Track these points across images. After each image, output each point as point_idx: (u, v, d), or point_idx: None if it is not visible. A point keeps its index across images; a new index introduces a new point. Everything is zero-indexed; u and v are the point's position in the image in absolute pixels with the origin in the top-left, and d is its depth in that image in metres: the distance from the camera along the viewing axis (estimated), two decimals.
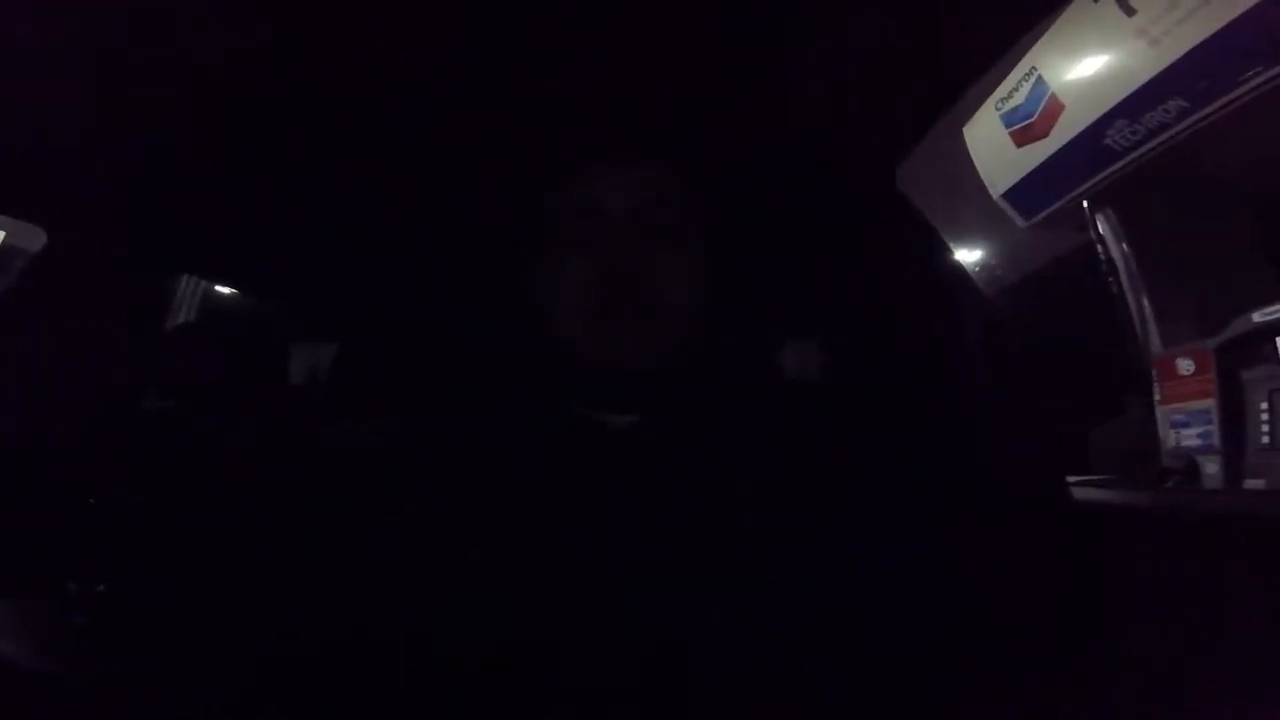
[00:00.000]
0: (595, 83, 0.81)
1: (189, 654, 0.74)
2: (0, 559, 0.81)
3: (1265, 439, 2.30)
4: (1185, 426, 2.55)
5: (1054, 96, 2.59)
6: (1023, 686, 0.63)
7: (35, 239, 1.02)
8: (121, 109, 0.82)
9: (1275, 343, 2.25)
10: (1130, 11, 2.13)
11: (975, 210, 3.16)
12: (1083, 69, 2.43)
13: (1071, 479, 1.13)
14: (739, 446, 0.66)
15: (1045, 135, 2.68)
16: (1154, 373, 2.68)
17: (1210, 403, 2.46)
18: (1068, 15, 2.32)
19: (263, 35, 0.74)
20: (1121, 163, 2.45)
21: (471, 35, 0.75)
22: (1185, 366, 2.55)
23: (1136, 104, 2.23)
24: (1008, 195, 3.04)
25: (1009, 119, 2.84)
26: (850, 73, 0.82)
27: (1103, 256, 2.89)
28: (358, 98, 0.83)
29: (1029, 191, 2.95)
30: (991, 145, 3.00)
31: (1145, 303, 2.79)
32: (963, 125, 3.11)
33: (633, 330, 0.66)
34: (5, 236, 3.81)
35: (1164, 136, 2.24)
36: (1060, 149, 2.65)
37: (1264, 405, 2.32)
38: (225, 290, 1.41)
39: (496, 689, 0.57)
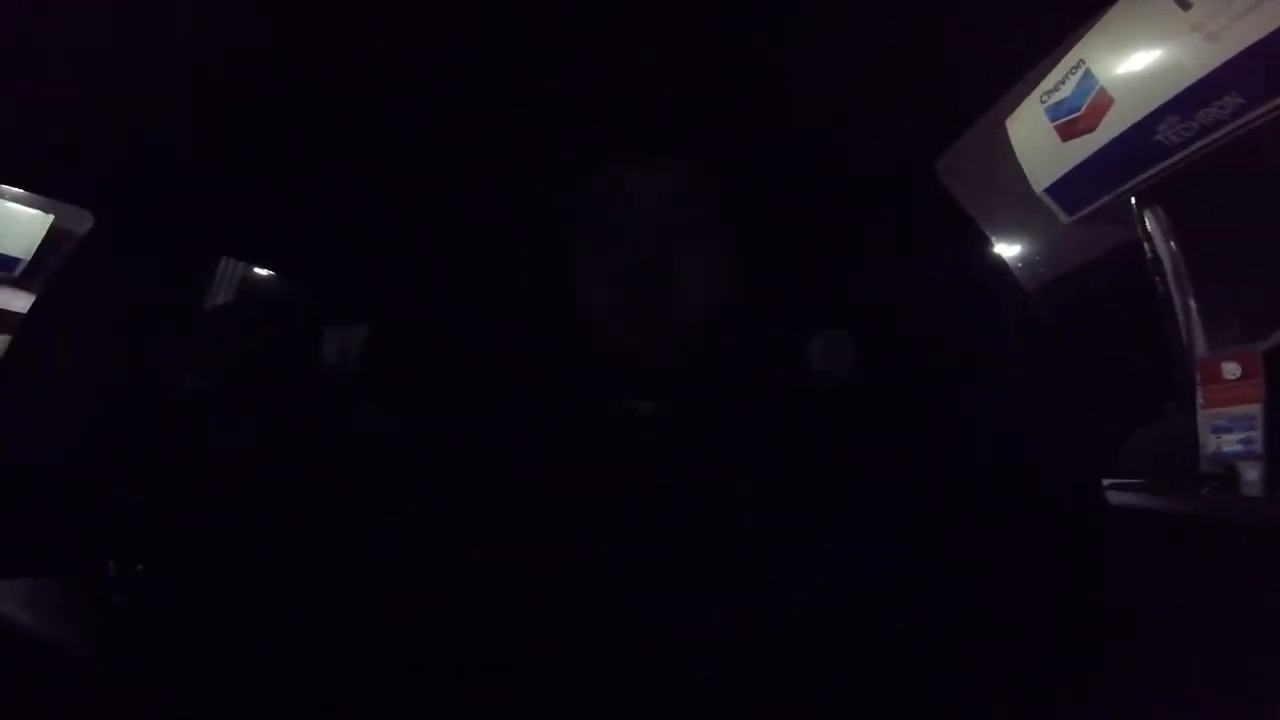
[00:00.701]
0: (620, 79, 0.81)
1: (187, 652, 0.74)
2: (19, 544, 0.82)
3: None
4: (1227, 432, 2.50)
5: (1103, 90, 2.52)
6: (1049, 689, 0.63)
7: (84, 223, 1.05)
8: (121, 106, 0.82)
9: None
10: (1186, 5, 2.07)
11: (1016, 204, 3.10)
12: (1134, 63, 2.37)
13: (1106, 481, 1.12)
14: (759, 443, 0.66)
15: (1092, 130, 2.62)
16: (1197, 376, 2.62)
17: (1254, 408, 2.40)
18: (1119, 8, 2.26)
19: (268, 32, 0.75)
20: (1172, 159, 2.39)
21: (491, 31, 0.76)
22: (1231, 370, 2.49)
23: (1191, 100, 2.17)
24: (1051, 190, 2.98)
25: (1054, 112, 2.78)
26: (887, 68, 0.81)
27: (1149, 255, 2.82)
28: (380, 95, 0.84)
29: (1073, 186, 2.88)
30: (1035, 139, 2.94)
31: (1192, 304, 2.73)
32: (1006, 118, 3.05)
33: (656, 325, 0.67)
34: (55, 219, 3.94)
35: (1219, 134, 2.17)
36: (1108, 144, 2.59)
37: None
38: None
39: (508, 688, 0.58)
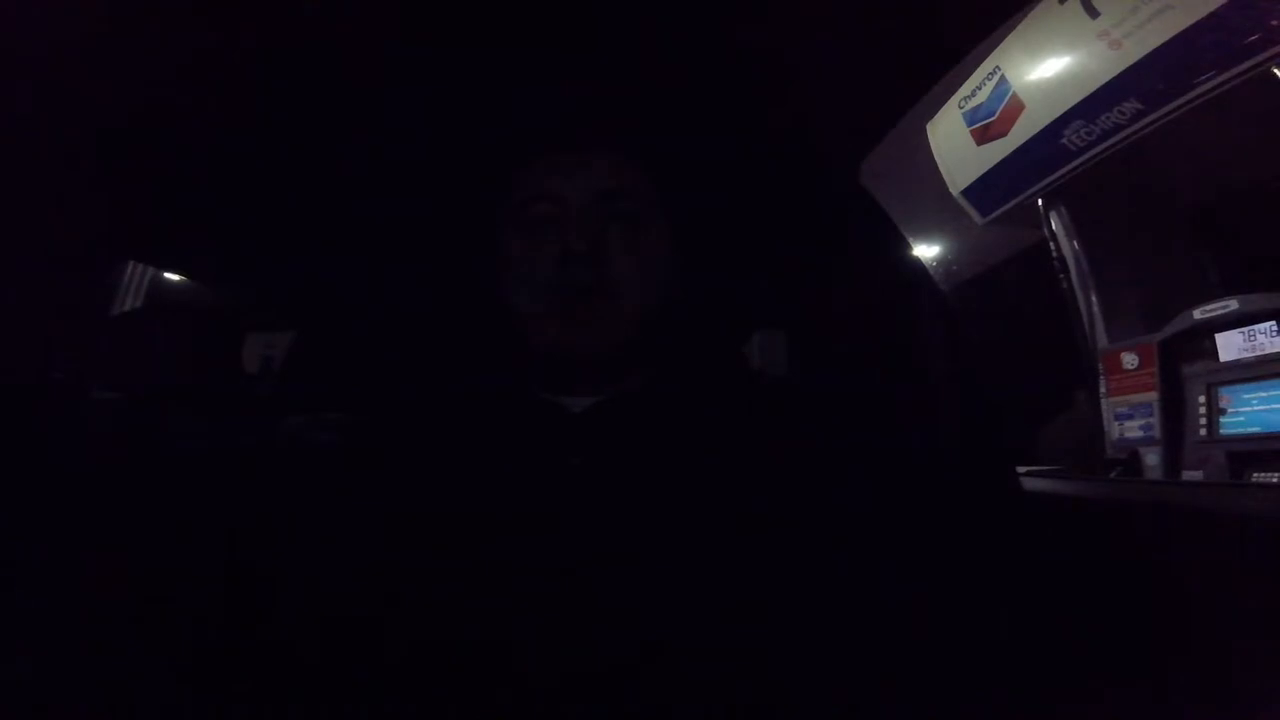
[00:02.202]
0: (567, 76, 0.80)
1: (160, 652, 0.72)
2: None
3: (1203, 431, 2.40)
4: (1129, 419, 2.65)
5: (1015, 96, 2.64)
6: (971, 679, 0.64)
7: None
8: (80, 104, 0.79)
9: (1214, 339, 2.35)
10: (1094, 14, 2.17)
11: (935, 206, 3.22)
12: (1045, 70, 2.48)
13: (1021, 470, 1.18)
14: (702, 438, 0.66)
15: (1005, 134, 2.74)
16: (1100, 367, 2.77)
17: (1152, 396, 2.55)
18: (1033, 16, 2.37)
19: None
20: (1076, 162, 2.52)
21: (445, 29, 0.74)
22: (1130, 361, 2.64)
23: (1094, 105, 2.29)
24: (967, 192, 3.10)
25: (971, 117, 2.89)
26: (820, 70, 0.83)
27: (1055, 254, 2.98)
28: (325, 88, 0.81)
29: (987, 189, 3.01)
30: (953, 143, 3.05)
31: (1094, 299, 2.89)
32: (927, 123, 3.16)
33: (600, 319, 0.66)
34: None
35: (1118, 138, 2.30)
36: (1018, 148, 2.71)
37: (1201, 399, 2.42)
38: (186, 281, 1.36)
39: (462, 692, 0.57)
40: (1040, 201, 2.89)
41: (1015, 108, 2.63)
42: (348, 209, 1.01)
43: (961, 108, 2.91)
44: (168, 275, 1.36)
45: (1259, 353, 2.24)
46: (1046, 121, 2.52)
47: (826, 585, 0.59)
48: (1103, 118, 2.28)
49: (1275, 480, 2.10)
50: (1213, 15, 1.81)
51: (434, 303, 0.95)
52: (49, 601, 0.74)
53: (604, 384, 0.68)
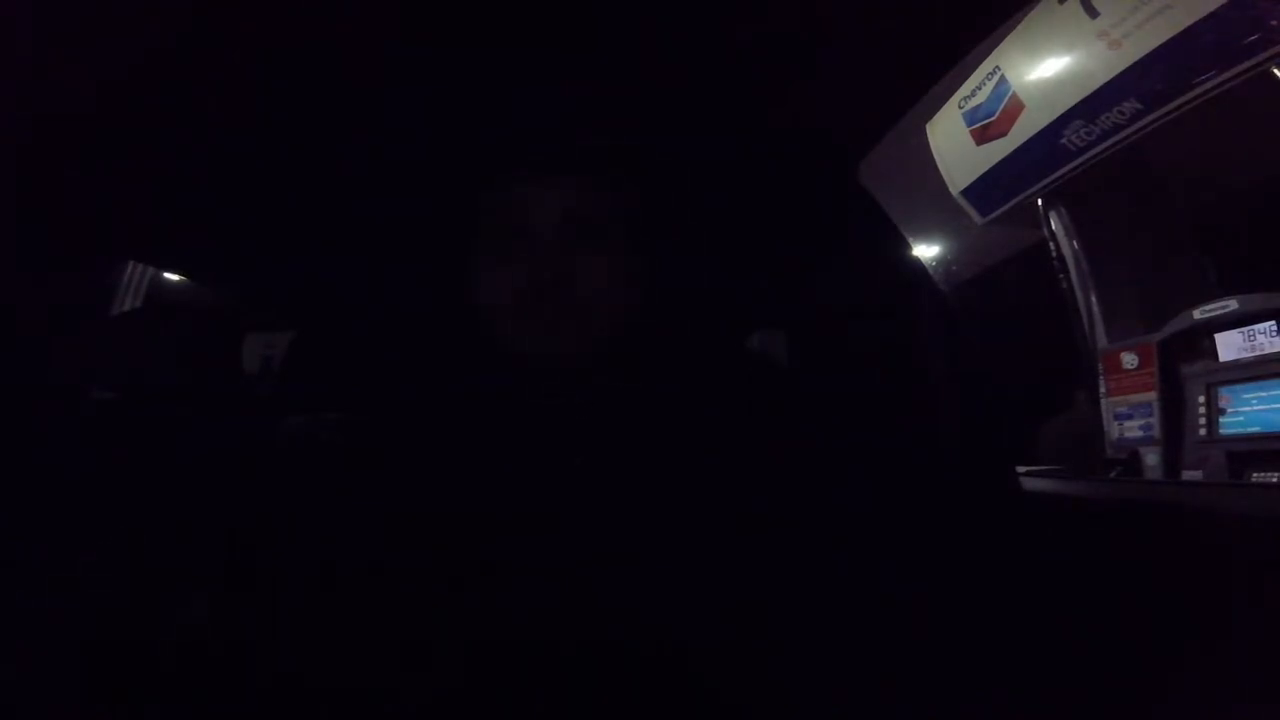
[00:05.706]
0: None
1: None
2: None
3: (1202, 431, 2.40)
4: (1128, 419, 2.65)
5: (1015, 96, 2.64)
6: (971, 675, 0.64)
7: None
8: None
9: (1213, 339, 2.35)
10: (1094, 14, 2.17)
11: (935, 206, 3.22)
12: (1045, 69, 2.48)
13: (1021, 470, 1.18)
14: (703, 438, 0.66)
15: (1004, 134, 2.74)
16: (1100, 367, 2.77)
17: (1152, 396, 2.55)
18: (1033, 16, 2.37)
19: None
20: (1076, 162, 2.52)
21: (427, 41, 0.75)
22: (1130, 361, 2.64)
23: (1094, 105, 2.29)
24: (967, 192, 3.10)
25: (970, 117, 2.89)
26: (820, 70, 0.83)
27: (1054, 254, 2.98)
28: (325, 88, 0.81)
29: (987, 189, 3.01)
30: (953, 143, 3.05)
31: (1094, 299, 2.89)
32: (927, 123, 3.16)
33: (566, 324, 0.67)
34: None
35: (1118, 137, 2.30)
36: (1018, 148, 2.71)
37: (1201, 399, 2.42)
38: (186, 281, 1.36)
39: (462, 691, 0.57)
40: (1040, 201, 2.89)
41: (1015, 107, 2.63)
42: (348, 209, 1.01)
43: (961, 107, 2.91)
44: (168, 275, 1.36)
45: (1258, 353, 2.24)
46: (1046, 121, 2.51)
47: (826, 585, 0.59)
48: (1102, 118, 2.28)
49: (1275, 480, 2.10)
50: (1212, 15, 1.81)
51: (434, 303, 0.95)
52: (49, 602, 0.74)
53: (575, 386, 0.69)
